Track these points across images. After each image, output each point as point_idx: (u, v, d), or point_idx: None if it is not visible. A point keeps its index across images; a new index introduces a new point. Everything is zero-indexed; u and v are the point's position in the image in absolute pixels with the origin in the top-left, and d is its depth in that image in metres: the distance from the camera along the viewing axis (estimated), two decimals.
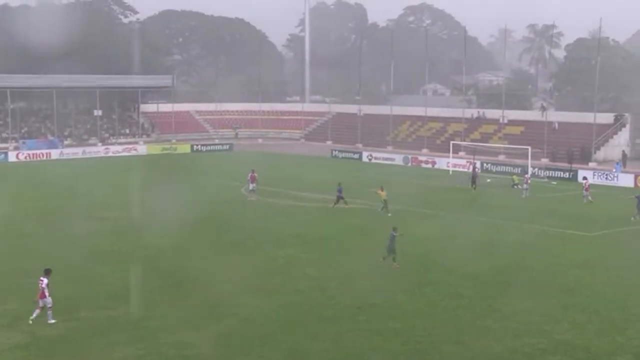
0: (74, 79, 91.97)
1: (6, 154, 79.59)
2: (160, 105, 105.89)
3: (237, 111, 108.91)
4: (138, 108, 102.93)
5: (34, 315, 24.12)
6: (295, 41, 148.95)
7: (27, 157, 79.77)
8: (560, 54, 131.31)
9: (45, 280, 24.34)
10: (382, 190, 44.86)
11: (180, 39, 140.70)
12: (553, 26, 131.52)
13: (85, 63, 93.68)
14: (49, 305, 24.17)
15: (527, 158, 65.84)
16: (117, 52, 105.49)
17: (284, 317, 25.16)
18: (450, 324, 24.59)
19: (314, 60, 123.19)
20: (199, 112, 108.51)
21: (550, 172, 66.46)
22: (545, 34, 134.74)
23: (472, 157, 70.04)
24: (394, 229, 31.72)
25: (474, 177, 57.72)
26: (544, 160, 74.64)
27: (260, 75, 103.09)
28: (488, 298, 27.45)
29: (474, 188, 56.40)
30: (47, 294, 24.17)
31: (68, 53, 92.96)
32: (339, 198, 46.81)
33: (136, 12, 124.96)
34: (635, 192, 48.96)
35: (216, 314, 25.36)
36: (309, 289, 28.49)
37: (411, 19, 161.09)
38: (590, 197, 50.94)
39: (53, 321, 24.11)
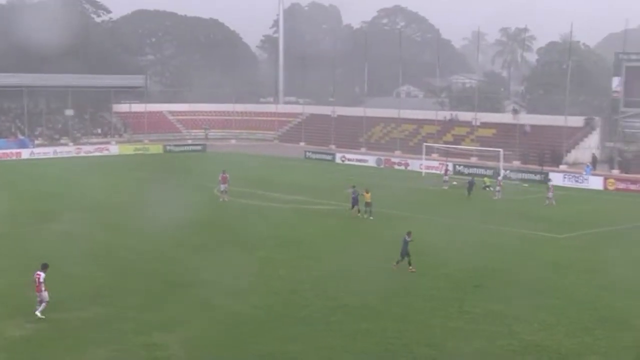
0: (45, 78, 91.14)
1: None
2: (133, 105, 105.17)
3: (210, 112, 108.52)
4: (111, 108, 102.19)
5: (40, 308, 24.37)
6: (269, 42, 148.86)
7: None
8: (532, 57, 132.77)
9: (43, 275, 24.53)
10: (367, 193, 44.29)
11: (154, 39, 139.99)
12: (525, 30, 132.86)
13: (57, 62, 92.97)
14: (46, 300, 24.39)
15: (499, 160, 66.34)
16: (90, 52, 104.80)
17: (257, 319, 25.12)
18: (422, 326, 24.69)
19: (288, 62, 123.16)
20: (172, 113, 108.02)
21: (522, 174, 67.02)
22: (517, 38, 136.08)
23: (444, 159, 70.48)
24: (408, 234, 31.53)
25: (470, 185, 54.59)
26: (516, 163, 75.23)
27: (233, 76, 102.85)
28: (460, 300, 27.59)
29: (469, 194, 53.94)
30: (43, 288, 24.36)
31: (39, 52, 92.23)
32: (354, 203, 44.56)
33: (109, 12, 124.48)
34: (606, 195, 49.57)
35: (189, 316, 25.27)
36: (283, 291, 28.47)
37: (385, 21, 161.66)
38: (553, 201, 51.30)
39: (42, 317, 24.17)
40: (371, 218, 43.45)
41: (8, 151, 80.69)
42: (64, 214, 44.33)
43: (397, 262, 31.38)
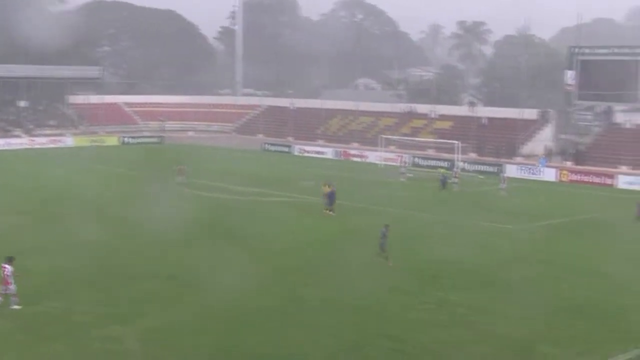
0: None
1: None
2: (89, 96, 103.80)
3: (167, 103, 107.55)
4: (66, 99, 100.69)
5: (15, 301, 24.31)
6: (227, 34, 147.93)
7: None
8: (489, 50, 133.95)
9: (9, 268, 24.39)
10: (326, 186, 43.59)
11: (111, 30, 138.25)
12: (482, 23, 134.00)
13: (9, 52, 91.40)
14: (13, 293, 24.26)
15: (455, 152, 66.90)
16: (45, 42, 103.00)
17: (215, 311, 25.00)
18: (380, 318, 24.80)
19: (246, 54, 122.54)
20: (129, 104, 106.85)
21: (478, 166, 67.71)
22: (474, 31, 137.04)
23: (402, 151, 70.85)
24: (386, 227, 31.46)
25: (443, 180, 54.06)
26: (472, 155, 75.91)
27: (191, 68, 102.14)
28: (417, 291, 27.78)
29: (442, 190, 53.32)
30: (10, 281, 24.25)
31: None
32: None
33: (65, 2, 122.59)
34: (560, 187, 50.33)
35: (146, 309, 25.03)
36: (245, 284, 28.33)
37: (343, 13, 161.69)
38: (505, 192, 52.06)
39: (17, 307, 24.19)
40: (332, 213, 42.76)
41: None
42: (15, 206, 43.62)
43: (377, 255, 31.06)
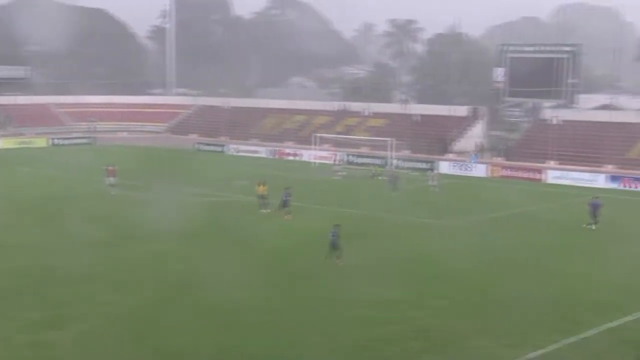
0: None
1: None
2: (17, 97, 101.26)
3: (98, 104, 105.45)
4: None
5: None
6: (158, 33, 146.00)
7: None
8: (420, 48, 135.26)
9: None
10: (261, 185, 43.12)
11: (40, 29, 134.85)
12: (413, 21, 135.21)
13: None
14: None
15: (389, 150, 67.33)
16: None
17: (149, 313, 24.62)
18: (316, 315, 24.75)
19: (178, 53, 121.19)
20: (59, 105, 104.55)
21: (412, 163, 68.29)
22: (405, 29, 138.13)
23: (336, 149, 71.01)
24: (336, 226, 31.27)
25: (394, 180, 53.46)
26: (406, 152, 76.47)
27: (122, 68, 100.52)
28: (353, 289, 27.81)
29: (393, 190, 52.23)
30: None
31: None
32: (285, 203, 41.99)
33: None
34: (491, 182, 51.14)
35: (79, 312, 24.45)
36: (176, 284, 27.99)
37: (275, 11, 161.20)
38: (437, 188, 52.70)
39: None
40: (267, 211, 42.32)
41: None
42: None
43: (338, 257, 30.91)
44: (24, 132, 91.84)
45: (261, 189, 43.19)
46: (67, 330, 22.83)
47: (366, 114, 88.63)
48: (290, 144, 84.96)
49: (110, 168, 49.46)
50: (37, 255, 31.91)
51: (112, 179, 49.18)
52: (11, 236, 35.33)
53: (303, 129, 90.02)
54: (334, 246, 30.96)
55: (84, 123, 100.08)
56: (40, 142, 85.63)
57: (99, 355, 21.24)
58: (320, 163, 69.70)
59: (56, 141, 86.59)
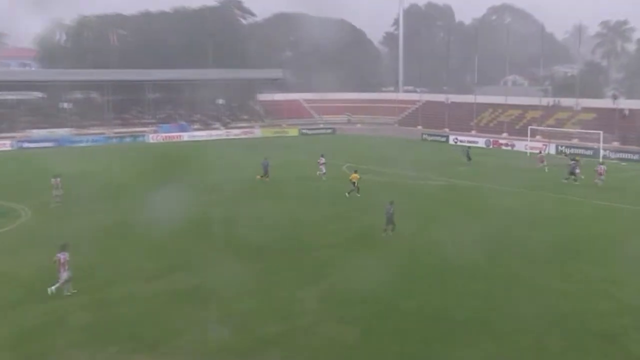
0: (201, 72, 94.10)
1: (145, 135, 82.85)
2: (273, 95, 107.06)
3: (339, 100, 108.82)
4: (255, 97, 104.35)
5: (54, 287, 22.92)
6: (390, 38, 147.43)
7: (163, 139, 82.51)
8: (631, 47, 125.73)
9: (62, 256, 23.03)
10: (355, 173, 41.50)
11: (292, 38, 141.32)
12: (625, 22, 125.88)
13: (211, 59, 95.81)
14: (67, 279, 23.01)
15: (598, 142, 63.40)
16: (238, 50, 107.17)
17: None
18: (525, 286, 24.05)
19: (406, 55, 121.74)
20: (307, 101, 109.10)
21: (621, 154, 63.83)
22: (617, 30, 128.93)
23: (547, 140, 67.99)
24: (391, 203, 30.78)
25: (572, 171, 47.88)
26: (615, 144, 71.64)
27: (360, 69, 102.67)
28: (563, 264, 26.73)
29: (575, 180, 47.29)
30: (64, 268, 22.97)
31: (198, 51, 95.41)
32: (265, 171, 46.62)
33: (254, 15, 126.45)
34: None
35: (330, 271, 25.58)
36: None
37: (494, 17, 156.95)
38: (600, 182, 46.33)
39: (70, 293, 23.01)
40: (347, 195, 40.29)
41: (172, 134, 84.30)
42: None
43: (385, 230, 30.57)
44: (280, 123, 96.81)
45: (354, 177, 41.19)
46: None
47: (576, 108, 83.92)
48: (505, 135, 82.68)
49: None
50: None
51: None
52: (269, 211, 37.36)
53: (517, 122, 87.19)
54: (390, 221, 30.39)
55: (328, 115, 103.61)
56: (293, 132, 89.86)
57: (336, 310, 22.05)
58: (533, 153, 67.10)
59: (303, 131, 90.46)
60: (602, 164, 49.10)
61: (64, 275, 23.05)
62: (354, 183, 40.86)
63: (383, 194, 40.82)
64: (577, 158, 52.09)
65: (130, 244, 30.15)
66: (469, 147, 64.32)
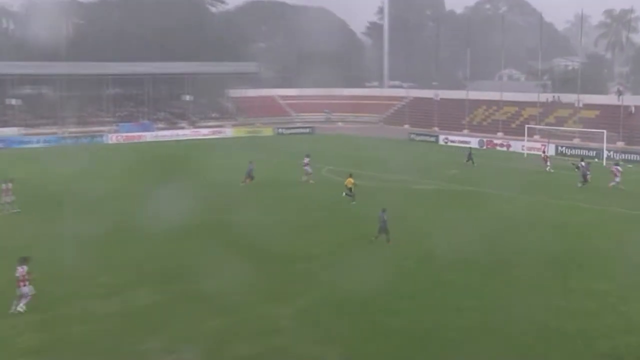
0: (166, 66, 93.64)
1: (104, 136, 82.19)
2: (246, 90, 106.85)
3: (318, 96, 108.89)
4: (225, 93, 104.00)
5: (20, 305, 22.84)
6: (374, 29, 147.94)
7: (123, 139, 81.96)
8: (637, 38, 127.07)
9: (21, 269, 22.97)
10: (350, 178, 41.67)
11: (265, 28, 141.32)
12: (631, 11, 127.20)
13: (176, 51, 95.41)
14: (22, 295, 22.87)
15: (602, 141, 63.88)
16: (206, 41, 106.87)
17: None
18: (524, 303, 24.05)
19: (392, 47, 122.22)
20: (282, 97, 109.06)
21: (626, 155, 64.32)
22: (622, 19, 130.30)
23: (546, 140, 68.45)
24: (384, 210, 31.18)
25: (584, 174, 48.13)
26: (620, 144, 72.27)
27: (340, 62, 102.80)
28: (563, 278, 26.74)
29: (583, 184, 47.64)
30: (24, 283, 22.90)
31: (159, 41, 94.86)
32: (249, 175, 47.11)
33: (224, 3, 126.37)
34: None
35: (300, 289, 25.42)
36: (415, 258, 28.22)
37: (488, 6, 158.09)
38: (621, 186, 46.77)
39: (20, 310, 22.75)
40: (353, 203, 40.63)
41: (133, 134, 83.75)
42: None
43: (375, 238, 31.06)
44: (253, 122, 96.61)
45: (349, 181, 41.55)
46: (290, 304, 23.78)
47: (578, 105, 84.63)
48: (500, 134, 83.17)
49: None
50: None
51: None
52: (238, 216, 37.20)
53: (513, 120, 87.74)
54: (383, 229, 30.89)
55: (306, 114, 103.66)
56: (267, 132, 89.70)
57: (316, 329, 21.92)
58: (530, 154, 67.51)
59: (279, 130, 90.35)
60: (617, 164, 49.44)
61: (24, 290, 22.91)
62: (350, 189, 41.38)
63: (368, 200, 40.88)
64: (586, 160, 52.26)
65: (88, 256, 29.78)
66: (471, 148, 65.15)
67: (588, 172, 48.10)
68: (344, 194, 41.69)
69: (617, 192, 45.64)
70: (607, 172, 49.91)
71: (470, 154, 60.18)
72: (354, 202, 40.65)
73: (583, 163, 49.29)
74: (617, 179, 46.98)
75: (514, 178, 53.39)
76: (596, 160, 59.37)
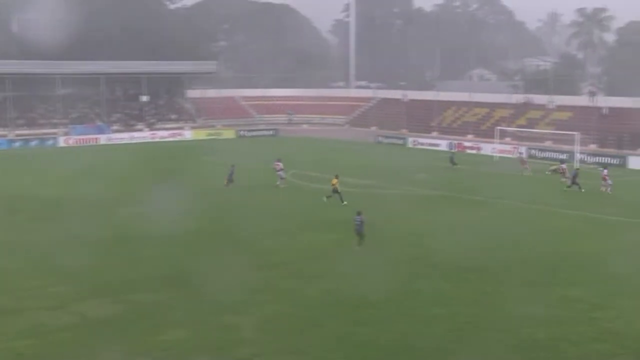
0: (121, 65, 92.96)
1: (56, 139, 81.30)
2: (205, 91, 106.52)
3: (282, 97, 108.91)
4: (184, 94, 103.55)
5: None
6: (340, 27, 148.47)
7: (76, 142, 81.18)
8: (610, 38, 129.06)
9: None
10: (336, 179, 42.61)
11: (226, 25, 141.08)
12: (603, 9, 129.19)
13: (131, 49, 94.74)
14: None
15: (574, 144, 64.83)
16: (164, 39, 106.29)
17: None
18: (495, 311, 24.37)
19: (359, 46, 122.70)
20: (244, 98, 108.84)
21: (599, 158, 65.35)
22: (595, 18, 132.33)
23: (517, 142, 69.30)
24: (359, 213, 31.68)
25: (574, 176, 48.83)
26: (592, 147, 73.41)
27: (304, 61, 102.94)
28: (534, 285, 27.16)
29: (579, 188, 47.95)
30: None
31: (114, 39, 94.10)
32: (230, 179, 48.09)
33: None
34: None
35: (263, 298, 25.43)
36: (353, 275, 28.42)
37: (457, 3, 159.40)
38: (609, 189, 47.95)
39: None
40: (345, 203, 41.56)
41: (87, 137, 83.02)
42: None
43: (359, 244, 31.52)
44: (214, 124, 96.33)
45: (334, 182, 42.57)
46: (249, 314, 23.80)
47: (550, 106, 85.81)
48: (470, 137, 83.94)
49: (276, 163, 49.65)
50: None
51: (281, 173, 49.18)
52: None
53: (484, 122, 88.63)
54: (359, 233, 31.32)
55: (270, 115, 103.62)
56: (229, 134, 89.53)
57: (281, 340, 21.98)
58: (500, 157, 68.31)
59: (241, 132, 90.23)
60: (605, 167, 50.80)
61: None
62: (335, 190, 42.20)
63: (333, 205, 41.09)
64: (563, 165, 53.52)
65: (36, 265, 29.51)
66: (453, 152, 66.35)
67: (575, 177, 48.77)
68: (324, 198, 42.42)
69: (579, 195, 46.35)
70: (584, 176, 50.63)
71: (452, 157, 61.80)
72: (345, 203, 41.26)
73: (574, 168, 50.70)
74: (609, 182, 48.02)
75: (485, 181, 54.00)
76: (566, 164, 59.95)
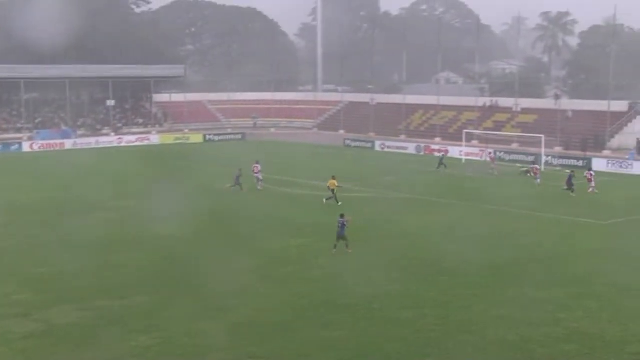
0: (87, 69, 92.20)
1: (20, 144, 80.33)
2: (173, 95, 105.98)
3: (249, 101, 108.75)
4: (151, 98, 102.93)
5: None
6: (307, 30, 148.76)
7: (41, 147, 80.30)
8: (574, 41, 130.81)
9: None
10: (333, 180, 43.79)
11: (193, 29, 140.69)
12: (567, 14, 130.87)
13: (97, 53, 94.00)
14: None
15: (540, 146, 65.54)
16: (130, 43, 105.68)
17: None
18: (464, 312, 24.55)
19: (326, 50, 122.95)
20: (212, 102, 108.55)
21: (564, 160, 66.13)
22: (559, 22, 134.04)
23: (484, 145, 69.85)
24: (342, 216, 32.02)
25: (570, 180, 49.02)
26: (558, 149, 74.25)
27: (272, 65, 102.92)
28: (503, 287, 27.40)
29: (572, 191, 48.33)
30: None
31: (80, 43, 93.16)
32: (237, 182, 48.45)
33: (149, 2, 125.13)
34: None
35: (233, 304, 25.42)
36: (320, 281, 28.48)
37: (424, 7, 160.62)
38: (596, 189, 49.21)
39: None
40: (339, 203, 42.55)
41: (52, 142, 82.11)
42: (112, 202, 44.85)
43: (335, 246, 31.66)
44: (181, 128, 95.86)
45: (332, 183, 43.76)
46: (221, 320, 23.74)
47: (516, 109, 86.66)
48: (438, 140, 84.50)
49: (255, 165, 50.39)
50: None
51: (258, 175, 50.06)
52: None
53: (451, 125, 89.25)
54: (340, 236, 31.57)
55: (238, 119, 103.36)
56: (196, 138, 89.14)
57: (251, 344, 21.94)
58: (469, 160, 68.82)
59: (209, 137, 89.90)
60: (590, 169, 52.02)
61: None
62: (332, 191, 43.25)
63: (298, 208, 41.13)
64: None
65: (1, 272, 29.20)
66: (443, 155, 66.58)
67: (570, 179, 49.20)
68: (324, 200, 43.33)
69: (548, 198, 46.94)
70: (552, 178, 51.23)
71: (441, 160, 62.55)
72: (339, 203, 42.17)
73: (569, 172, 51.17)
74: (592, 184, 48.98)
75: (453, 184, 54.37)
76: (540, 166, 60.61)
